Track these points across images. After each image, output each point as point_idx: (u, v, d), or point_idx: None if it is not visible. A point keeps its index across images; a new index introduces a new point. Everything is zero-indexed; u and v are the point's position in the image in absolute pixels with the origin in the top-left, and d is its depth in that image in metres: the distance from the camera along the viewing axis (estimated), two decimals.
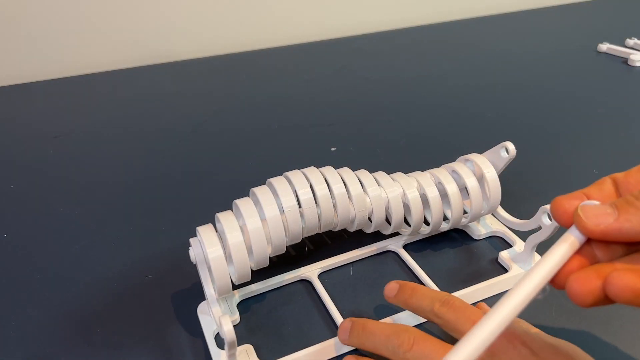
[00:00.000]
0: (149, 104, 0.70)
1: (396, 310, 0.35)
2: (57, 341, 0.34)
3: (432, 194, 0.36)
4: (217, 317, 0.29)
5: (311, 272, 0.38)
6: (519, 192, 0.46)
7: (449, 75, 0.73)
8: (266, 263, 0.34)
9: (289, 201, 0.33)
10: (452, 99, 0.66)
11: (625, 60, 0.74)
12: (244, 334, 0.34)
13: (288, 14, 0.91)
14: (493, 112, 0.62)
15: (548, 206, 0.32)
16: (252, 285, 0.37)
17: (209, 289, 0.32)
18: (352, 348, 0.32)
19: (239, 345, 0.32)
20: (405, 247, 0.41)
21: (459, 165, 0.38)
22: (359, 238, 0.41)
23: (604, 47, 0.78)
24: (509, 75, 0.73)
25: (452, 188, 0.37)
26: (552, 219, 0.34)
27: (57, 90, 0.76)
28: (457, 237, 0.42)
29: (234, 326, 0.34)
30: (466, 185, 0.37)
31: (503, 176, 0.39)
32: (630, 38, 0.79)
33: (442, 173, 0.37)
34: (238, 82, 0.76)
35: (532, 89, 0.68)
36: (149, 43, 0.85)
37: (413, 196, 0.36)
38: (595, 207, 0.22)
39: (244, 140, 0.59)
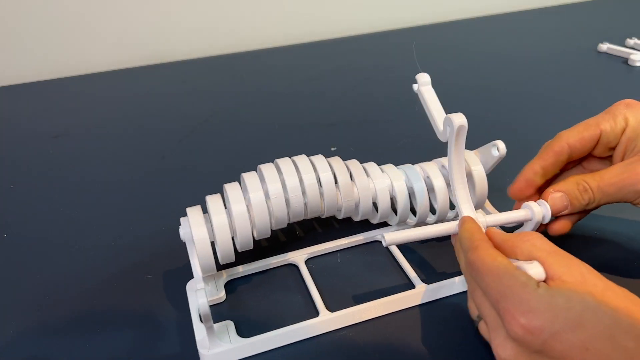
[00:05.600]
0: (149, 104, 0.70)
1: (374, 298, 0.36)
2: (57, 340, 0.34)
3: (419, 187, 0.37)
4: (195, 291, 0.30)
5: (299, 257, 0.40)
6: None
7: (448, 75, 0.73)
8: (250, 246, 0.35)
9: (275, 188, 0.34)
10: (451, 99, 0.66)
11: (625, 60, 0.74)
12: (227, 311, 0.36)
13: (288, 13, 0.91)
14: (493, 112, 0.62)
15: (530, 202, 0.35)
16: (241, 266, 0.39)
17: (195, 267, 0.34)
18: (326, 331, 0.33)
19: (221, 321, 0.34)
20: None
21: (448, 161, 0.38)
22: (349, 227, 0.42)
23: (604, 47, 0.78)
24: (509, 75, 0.73)
25: (438, 182, 0.37)
26: (533, 217, 0.34)
27: (57, 90, 0.76)
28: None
29: (219, 303, 0.36)
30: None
31: (498, 174, 0.39)
32: (630, 38, 0.79)
33: (431, 167, 0.38)
34: (238, 82, 0.76)
35: (532, 89, 0.68)
36: (149, 43, 0.85)
37: (400, 188, 0.37)
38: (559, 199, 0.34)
39: (244, 140, 0.59)
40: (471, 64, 0.77)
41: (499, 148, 0.37)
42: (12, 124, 0.67)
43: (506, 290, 0.25)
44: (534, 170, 0.35)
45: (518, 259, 0.28)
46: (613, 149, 0.35)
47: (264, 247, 0.41)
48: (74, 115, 0.68)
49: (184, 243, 0.36)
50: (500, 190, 0.41)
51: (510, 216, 0.35)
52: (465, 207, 0.33)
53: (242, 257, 0.39)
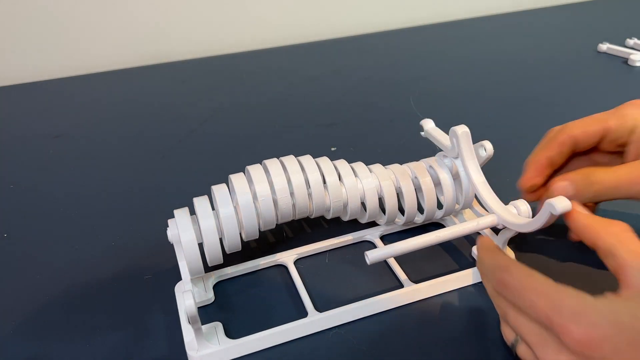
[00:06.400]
0: (148, 104, 0.70)
1: (362, 297, 0.36)
2: (57, 341, 0.34)
3: (407, 187, 0.38)
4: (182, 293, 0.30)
5: (287, 258, 0.40)
6: (512, 190, 0.46)
7: (448, 75, 0.73)
8: (238, 248, 0.35)
9: (262, 189, 0.34)
10: (451, 99, 0.66)
11: (625, 60, 0.74)
12: (216, 312, 0.36)
13: (288, 14, 0.91)
14: (492, 112, 0.62)
15: (516, 202, 0.35)
16: (229, 267, 0.39)
17: (183, 269, 0.34)
18: (314, 331, 0.34)
19: (210, 322, 0.34)
20: (383, 237, 0.42)
21: (436, 161, 0.39)
22: (338, 227, 0.42)
23: (604, 47, 0.78)
24: (509, 75, 0.73)
25: (426, 182, 0.38)
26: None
27: (57, 90, 0.76)
28: (434, 230, 0.42)
29: (208, 305, 0.37)
30: (440, 180, 0.38)
31: (498, 174, 0.39)
32: (630, 38, 0.79)
33: (419, 167, 0.39)
34: (238, 82, 0.76)
35: (532, 88, 0.68)
36: (149, 43, 0.85)
37: (388, 188, 0.37)
38: (564, 188, 0.34)
39: (244, 140, 0.59)
40: (471, 64, 0.77)
41: (485, 148, 0.37)
42: (12, 124, 0.67)
43: (558, 304, 0.24)
44: (540, 161, 0.35)
45: (597, 249, 0.27)
46: (622, 145, 0.35)
47: (252, 247, 0.41)
48: (74, 115, 0.68)
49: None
50: (501, 190, 0.41)
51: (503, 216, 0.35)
52: (495, 208, 0.35)
53: (231, 258, 0.39)
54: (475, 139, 0.37)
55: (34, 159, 0.58)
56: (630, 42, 0.79)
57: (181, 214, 0.34)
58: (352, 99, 0.68)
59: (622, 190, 0.32)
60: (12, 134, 0.64)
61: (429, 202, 0.38)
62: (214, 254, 0.34)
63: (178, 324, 0.35)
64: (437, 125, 0.41)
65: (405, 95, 0.68)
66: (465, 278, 0.37)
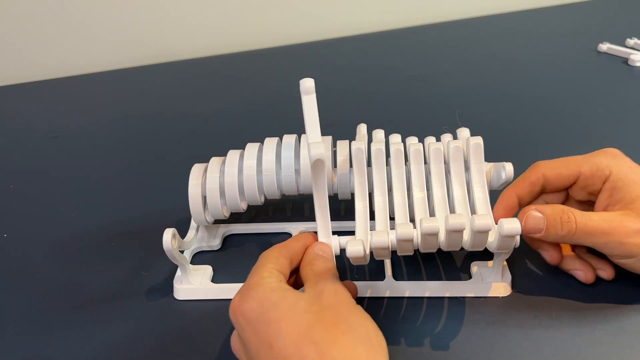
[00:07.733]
0: (149, 104, 0.70)
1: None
2: (57, 341, 0.35)
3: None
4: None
5: (295, 228, 0.43)
6: None
7: (448, 76, 0.73)
8: (223, 215, 0.39)
9: (250, 165, 0.40)
10: (451, 100, 0.66)
11: (625, 60, 0.74)
12: (215, 258, 0.41)
13: (288, 13, 0.91)
14: (493, 112, 0.62)
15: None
16: (242, 224, 0.44)
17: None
18: None
19: (202, 264, 0.40)
20: None
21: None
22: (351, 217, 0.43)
23: (604, 47, 0.78)
24: (509, 75, 0.73)
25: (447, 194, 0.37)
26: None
27: (57, 90, 0.76)
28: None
29: (214, 250, 0.42)
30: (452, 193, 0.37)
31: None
32: (630, 38, 0.79)
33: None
34: (238, 82, 0.76)
35: (532, 89, 0.68)
36: (149, 43, 0.85)
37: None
38: (535, 220, 0.32)
39: (244, 140, 0.59)
40: (471, 64, 0.77)
41: (506, 171, 0.36)
42: (12, 124, 0.67)
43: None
44: (510, 199, 0.35)
45: None
46: (592, 194, 0.35)
47: (270, 217, 0.46)
48: (74, 115, 0.68)
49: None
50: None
51: None
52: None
53: (247, 219, 0.44)
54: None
55: (34, 159, 0.58)
56: (631, 42, 0.79)
57: (196, 168, 0.39)
58: (353, 98, 0.68)
59: (595, 237, 0.31)
60: (12, 134, 0.64)
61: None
62: (216, 212, 0.38)
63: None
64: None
65: (405, 95, 0.68)
66: (456, 289, 0.37)
